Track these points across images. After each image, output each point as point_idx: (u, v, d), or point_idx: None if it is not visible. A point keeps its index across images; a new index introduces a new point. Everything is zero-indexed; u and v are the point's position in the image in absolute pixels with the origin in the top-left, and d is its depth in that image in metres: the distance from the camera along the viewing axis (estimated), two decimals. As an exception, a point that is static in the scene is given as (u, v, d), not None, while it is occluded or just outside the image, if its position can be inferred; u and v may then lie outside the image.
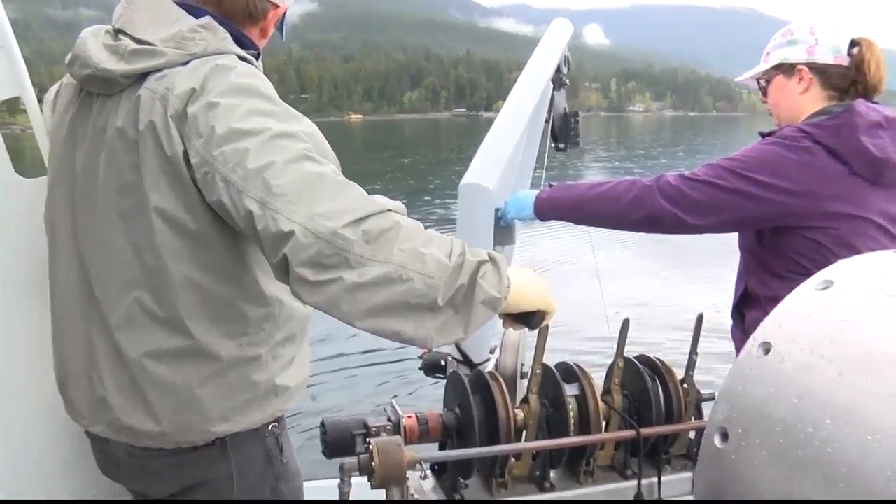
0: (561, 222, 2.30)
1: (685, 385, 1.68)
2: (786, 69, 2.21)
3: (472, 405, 1.70)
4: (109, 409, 1.60)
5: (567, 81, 3.21)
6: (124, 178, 1.49)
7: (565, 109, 3.15)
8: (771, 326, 0.79)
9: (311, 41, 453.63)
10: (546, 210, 2.17)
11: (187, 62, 1.47)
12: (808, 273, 2.01)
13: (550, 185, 2.31)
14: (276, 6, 1.71)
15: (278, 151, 1.32)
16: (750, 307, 2.23)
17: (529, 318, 1.51)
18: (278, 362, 1.65)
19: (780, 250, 2.10)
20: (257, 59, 1.65)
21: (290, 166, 1.30)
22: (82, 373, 1.65)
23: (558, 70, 3.13)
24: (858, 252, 1.97)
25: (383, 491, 1.59)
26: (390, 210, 1.30)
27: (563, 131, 3.12)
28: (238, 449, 1.65)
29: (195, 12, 1.57)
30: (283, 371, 1.67)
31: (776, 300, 2.12)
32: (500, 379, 1.77)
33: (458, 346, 2.04)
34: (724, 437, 0.80)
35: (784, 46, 2.22)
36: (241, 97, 1.41)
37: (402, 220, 1.30)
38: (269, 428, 1.69)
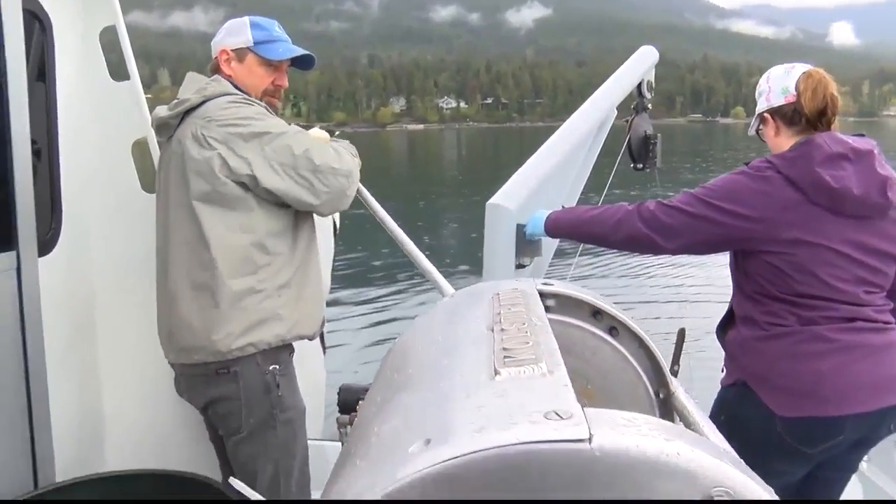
0: None
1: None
2: (761, 120, 2.40)
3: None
4: (173, 336, 2.39)
5: (650, 106, 3.46)
6: (178, 177, 2.32)
7: (646, 132, 3.39)
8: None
9: (544, 46, 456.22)
10: (552, 229, 2.45)
11: (204, 101, 2.33)
12: (770, 295, 2.26)
13: (563, 207, 2.59)
14: (273, 64, 2.51)
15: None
16: (731, 326, 2.42)
17: None
18: (282, 298, 2.35)
19: (747, 273, 2.29)
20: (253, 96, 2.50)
21: None
22: (162, 314, 2.46)
23: (641, 94, 3.39)
24: (817, 277, 2.15)
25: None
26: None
27: (640, 153, 3.36)
28: (244, 376, 2.35)
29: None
30: (286, 306, 2.36)
31: (747, 320, 2.38)
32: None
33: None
34: None
35: (757, 100, 2.41)
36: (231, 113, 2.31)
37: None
38: (270, 368, 2.37)
